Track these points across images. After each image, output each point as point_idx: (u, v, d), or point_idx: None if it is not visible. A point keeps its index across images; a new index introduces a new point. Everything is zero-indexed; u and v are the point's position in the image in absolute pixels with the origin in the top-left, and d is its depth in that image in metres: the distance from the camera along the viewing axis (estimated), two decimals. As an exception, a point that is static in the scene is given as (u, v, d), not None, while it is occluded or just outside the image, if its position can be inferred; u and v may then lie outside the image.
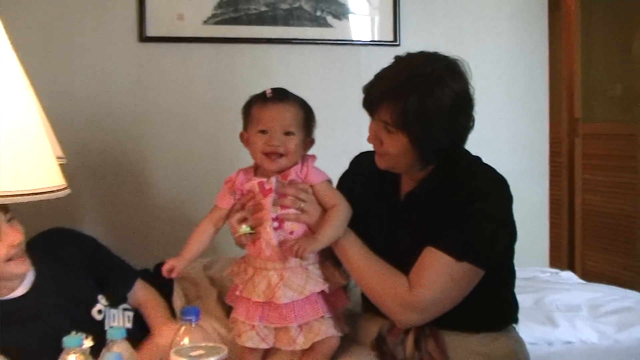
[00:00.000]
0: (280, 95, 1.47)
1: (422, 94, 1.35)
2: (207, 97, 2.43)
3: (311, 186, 1.47)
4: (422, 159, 1.43)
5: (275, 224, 1.44)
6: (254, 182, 1.46)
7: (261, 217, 1.44)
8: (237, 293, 1.49)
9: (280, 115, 1.44)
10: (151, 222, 2.39)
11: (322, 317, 1.45)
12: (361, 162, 1.64)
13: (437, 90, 1.36)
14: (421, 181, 1.48)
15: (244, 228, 1.44)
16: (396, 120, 1.37)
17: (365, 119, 1.50)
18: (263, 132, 1.45)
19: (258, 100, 1.48)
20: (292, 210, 1.44)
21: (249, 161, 1.53)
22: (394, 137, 1.40)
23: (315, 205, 1.46)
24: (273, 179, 1.45)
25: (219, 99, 2.42)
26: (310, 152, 1.54)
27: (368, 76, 1.47)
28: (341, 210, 1.46)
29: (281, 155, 1.44)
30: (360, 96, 1.46)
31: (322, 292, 1.46)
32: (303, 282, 1.44)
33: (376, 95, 1.41)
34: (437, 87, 1.36)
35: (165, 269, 1.46)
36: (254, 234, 1.44)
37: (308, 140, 1.49)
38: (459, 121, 1.40)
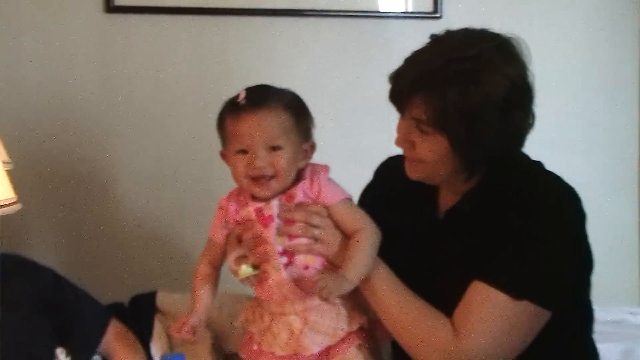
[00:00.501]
0: (257, 98, 1.45)
1: (466, 84, 1.35)
2: (190, 83, 2.40)
3: (326, 208, 1.47)
4: (466, 168, 1.42)
5: (284, 259, 1.44)
6: (250, 209, 1.47)
7: (264, 252, 1.45)
8: (255, 347, 1.52)
9: (260, 126, 1.43)
10: (123, 244, 2.37)
11: (360, 345, 1.48)
12: (389, 170, 1.62)
13: (486, 78, 1.35)
14: (465, 195, 1.48)
15: (245, 269, 1.46)
16: (432, 117, 1.37)
17: (395, 114, 1.50)
18: (243, 151, 1.45)
19: (230, 111, 1.47)
20: (303, 240, 1.44)
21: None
22: (429, 140, 1.40)
23: (332, 231, 1.45)
24: (274, 203, 1.45)
25: (207, 85, 2.39)
26: (322, 157, 1.51)
27: (398, 59, 1.46)
28: (369, 236, 1.45)
29: (271, 177, 1.44)
30: (388, 85, 1.46)
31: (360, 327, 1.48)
32: (334, 321, 1.46)
33: (407, 85, 1.40)
34: (485, 74, 1.35)
35: (184, 331, 1.47)
36: (259, 274, 1.46)
37: (306, 145, 1.48)
38: (514, 118, 1.39)
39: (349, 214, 1.47)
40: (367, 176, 1.71)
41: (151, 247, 2.35)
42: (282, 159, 1.43)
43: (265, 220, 1.44)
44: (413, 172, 1.47)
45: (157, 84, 2.40)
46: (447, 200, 1.52)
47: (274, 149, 1.43)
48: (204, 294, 1.53)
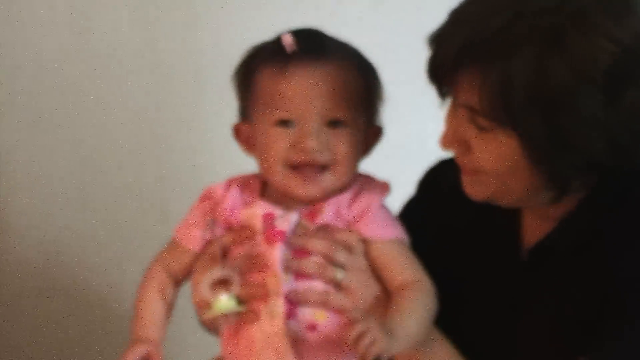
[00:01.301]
0: (316, 46, 1.21)
1: (544, 50, 1.08)
2: (130, 48, 2.08)
3: (364, 241, 1.21)
4: (552, 182, 1.16)
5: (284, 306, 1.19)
6: (256, 212, 1.21)
7: (262, 282, 1.19)
8: None
9: (319, 89, 1.18)
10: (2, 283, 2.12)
11: None
12: (441, 181, 1.40)
13: (577, 41, 1.08)
14: (558, 224, 1.23)
15: (225, 302, 1.19)
16: (490, 104, 1.11)
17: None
18: (286, 123, 1.19)
19: (270, 59, 1.21)
20: (317, 285, 1.19)
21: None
22: (490, 139, 1.15)
23: (365, 278, 1.21)
24: (293, 216, 1.19)
25: (151, 51, 2.07)
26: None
27: (439, 14, 1.17)
28: (424, 295, 1.20)
29: (324, 167, 1.19)
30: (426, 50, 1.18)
31: None
32: None
33: (451, 54, 1.14)
34: (576, 34, 1.08)
35: None
36: (244, 314, 1.20)
37: (371, 131, 1.25)
38: (627, 102, 1.10)
39: (397, 258, 1.22)
40: (403, 183, 1.41)
41: (45, 287, 2.11)
42: (345, 142, 1.19)
43: (273, 236, 1.19)
44: (473, 189, 1.23)
45: (63, 50, 2.08)
46: (533, 230, 1.27)
47: (335, 124, 1.19)
48: (156, 310, 1.26)
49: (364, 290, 1.22)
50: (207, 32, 1.99)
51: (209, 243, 1.26)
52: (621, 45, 1.08)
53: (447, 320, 1.26)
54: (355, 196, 1.23)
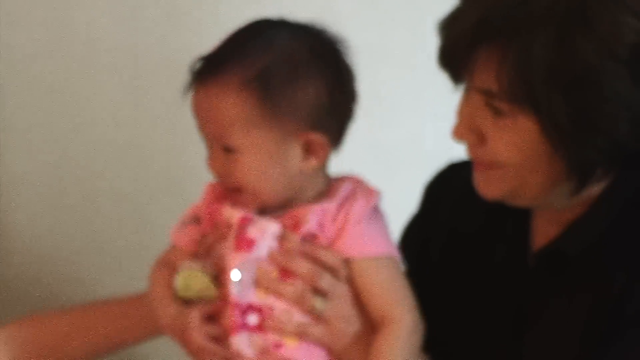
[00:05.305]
0: (218, 58, 1.14)
1: (566, 27, 1.04)
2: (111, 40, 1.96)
3: (346, 261, 1.13)
4: (572, 170, 1.09)
5: (252, 317, 1.10)
6: (234, 214, 1.13)
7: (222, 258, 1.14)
8: None
9: (206, 112, 1.13)
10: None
11: None
12: (449, 184, 1.35)
13: (600, 17, 1.03)
14: (570, 227, 1.16)
15: (199, 276, 1.13)
16: (509, 85, 1.06)
17: (447, 97, 1.17)
18: (207, 141, 1.17)
19: (190, 74, 1.17)
20: (294, 315, 1.11)
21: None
22: (508, 125, 1.09)
23: (347, 311, 1.14)
24: (272, 226, 1.12)
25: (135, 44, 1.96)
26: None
27: (438, 12, 1.13)
28: (404, 336, 1.11)
29: (235, 189, 1.14)
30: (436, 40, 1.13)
31: None
32: None
33: (467, 33, 1.09)
34: (599, 9, 1.04)
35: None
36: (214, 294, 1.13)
37: (309, 138, 1.13)
38: None
39: (382, 283, 1.13)
40: (397, 190, 1.36)
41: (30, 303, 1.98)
42: (241, 168, 1.12)
43: (242, 243, 1.12)
44: (486, 187, 1.16)
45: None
46: (542, 236, 1.21)
47: (228, 150, 1.12)
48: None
49: (344, 324, 1.15)
50: (188, 29, 1.92)
51: (196, 244, 1.20)
52: None
53: (452, 330, 1.21)
54: (340, 206, 1.15)
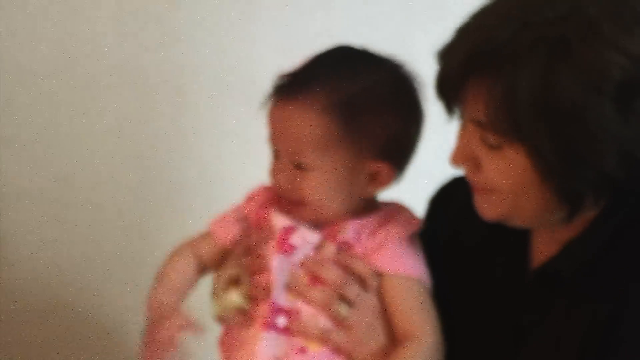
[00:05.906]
0: (302, 78, 1.15)
1: (551, 60, 1.02)
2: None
3: (379, 275, 1.15)
4: (563, 199, 1.10)
5: (281, 319, 1.12)
6: (281, 219, 1.16)
7: (265, 285, 1.15)
8: None
9: (285, 129, 1.14)
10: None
11: None
12: (453, 197, 1.35)
13: (585, 52, 1.02)
14: (566, 246, 1.16)
15: (232, 298, 1.15)
16: (497, 117, 1.06)
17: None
18: (276, 153, 1.18)
19: (272, 90, 1.17)
20: (319, 320, 1.13)
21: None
22: (499, 156, 1.10)
23: (371, 320, 1.15)
24: (313, 236, 1.15)
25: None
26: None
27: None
28: (424, 352, 1.13)
29: (297, 202, 1.15)
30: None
31: None
32: None
33: (457, 66, 1.09)
34: (583, 45, 1.02)
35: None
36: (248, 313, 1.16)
37: (373, 167, 1.16)
38: (639, 113, 1.03)
39: (410, 301, 1.15)
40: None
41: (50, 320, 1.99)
42: (309, 185, 1.14)
43: (281, 247, 1.15)
44: (485, 209, 1.17)
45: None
46: (541, 253, 1.20)
47: (300, 167, 1.14)
48: (183, 272, 1.21)
49: (367, 332, 1.16)
50: (188, 48, 1.92)
51: (238, 242, 1.22)
52: (631, 56, 1.02)
53: (451, 341, 1.20)
54: (380, 225, 1.17)
